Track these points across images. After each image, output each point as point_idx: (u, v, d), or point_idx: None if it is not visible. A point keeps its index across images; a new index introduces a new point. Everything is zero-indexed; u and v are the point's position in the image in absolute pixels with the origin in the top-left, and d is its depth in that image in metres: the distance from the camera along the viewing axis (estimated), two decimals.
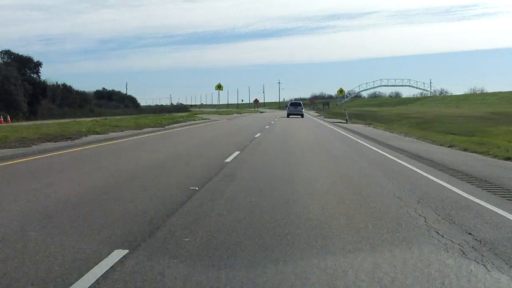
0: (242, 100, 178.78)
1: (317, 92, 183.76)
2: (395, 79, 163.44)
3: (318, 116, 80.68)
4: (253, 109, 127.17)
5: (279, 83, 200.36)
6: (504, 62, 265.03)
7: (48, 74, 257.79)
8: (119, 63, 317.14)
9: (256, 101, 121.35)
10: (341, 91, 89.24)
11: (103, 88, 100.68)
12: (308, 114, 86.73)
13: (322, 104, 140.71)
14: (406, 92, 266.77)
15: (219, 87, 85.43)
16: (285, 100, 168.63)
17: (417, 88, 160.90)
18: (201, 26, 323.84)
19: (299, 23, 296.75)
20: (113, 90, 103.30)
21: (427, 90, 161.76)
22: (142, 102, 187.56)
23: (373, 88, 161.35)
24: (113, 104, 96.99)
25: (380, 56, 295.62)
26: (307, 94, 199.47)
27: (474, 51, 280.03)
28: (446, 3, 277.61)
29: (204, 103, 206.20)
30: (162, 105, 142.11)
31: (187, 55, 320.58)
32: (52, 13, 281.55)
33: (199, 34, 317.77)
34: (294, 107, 64.23)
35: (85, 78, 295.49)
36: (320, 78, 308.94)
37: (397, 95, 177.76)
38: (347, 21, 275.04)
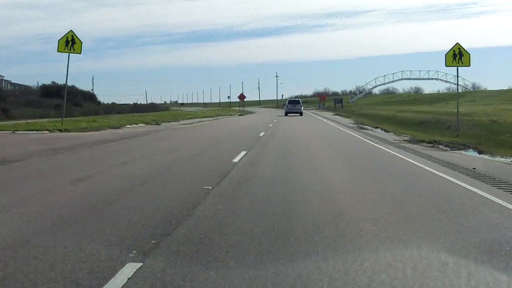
0: (229, 97, 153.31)
1: (320, 88, 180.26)
2: (420, 71, 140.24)
3: (335, 118, 55.12)
4: (238, 108, 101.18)
5: (276, 76, 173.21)
6: (502, 60, 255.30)
7: (46, 73, 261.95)
8: (116, 62, 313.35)
9: (241, 96, 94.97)
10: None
11: (53, 82, 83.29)
12: (321, 116, 60.51)
13: (334, 101, 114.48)
14: (427, 87, 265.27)
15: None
16: (283, 97, 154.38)
17: (446, 81, 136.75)
18: (199, 25, 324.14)
19: (298, 21, 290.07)
20: (70, 86, 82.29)
21: (460, 85, 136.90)
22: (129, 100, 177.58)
23: (392, 82, 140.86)
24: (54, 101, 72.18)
25: (381, 54, 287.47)
26: (309, 91, 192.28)
27: (473, 48, 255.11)
28: (445, 1, 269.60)
29: (200, 101, 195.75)
30: (139, 103, 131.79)
31: (185, 53, 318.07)
32: (50, 12, 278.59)
33: (198, 33, 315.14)
34: (293, 105, 61.90)
35: (84, 78, 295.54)
36: (320, 76, 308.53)
37: (418, 90, 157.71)
38: (345, 19, 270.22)
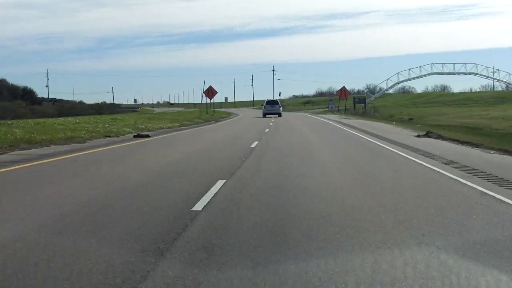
0: (226, 98, 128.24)
1: (324, 88, 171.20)
2: (454, 64, 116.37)
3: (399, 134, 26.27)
4: (213, 110, 71.88)
5: (273, 71, 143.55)
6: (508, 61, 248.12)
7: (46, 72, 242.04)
8: (116, 62, 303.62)
9: (210, 92, 63.40)
10: None
11: None
12: (361, 130, 31.44)
13: (353, 101, 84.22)
14: (455, 85, 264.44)
15: None
16: (280, 96, 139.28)
17: (487, 77, 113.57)
18: (198, 25, 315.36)
19: (297, 22, 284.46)
20: None
21: (502, 81, 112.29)
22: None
23: (420, 77, 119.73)
24: None
25: (381, 55, 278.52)
26: (310, 91, 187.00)
27: (474, 50, 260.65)
28: (443, 3, 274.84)
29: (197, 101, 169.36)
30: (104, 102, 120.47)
31: (183, 54, 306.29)
32: (48, 11, 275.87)
33: (196, 33, 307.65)
34: (271, 106, 60.54)
35: (86, 77, 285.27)
36: (321, 77, 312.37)
37: (445, 88, 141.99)
38: (345, 21, 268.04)
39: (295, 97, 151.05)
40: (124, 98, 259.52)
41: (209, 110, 68.04)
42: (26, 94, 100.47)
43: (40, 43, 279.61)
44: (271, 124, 37.03)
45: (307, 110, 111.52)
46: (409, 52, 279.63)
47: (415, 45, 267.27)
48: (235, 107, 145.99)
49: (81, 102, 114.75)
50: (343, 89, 70.63)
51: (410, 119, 47.91)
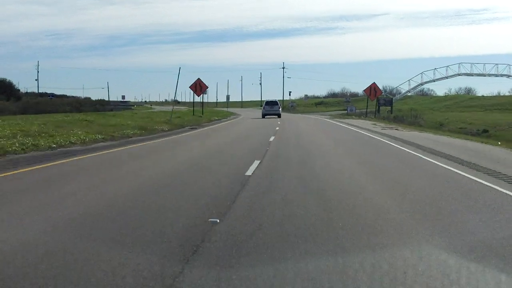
0: (228, 96, 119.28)
1: (336, 89, 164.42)
2: (484, 64, 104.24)
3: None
4: (194, 110, 57.13)
5: (283, 68, 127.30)
6: None
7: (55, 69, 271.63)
8: (124, 60, 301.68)
9: (199, 87, 46.47)
10: None
11: None
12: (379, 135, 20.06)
13: (377, 103, 68.18)
14: (481, 88, 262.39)
15: None
16: (290, 96, 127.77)
17: None
18: (208, 24, 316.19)
19: (308, 23, 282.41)
20: None
21: None
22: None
23: (446, 78, 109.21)
24: None
25: (392, 58, 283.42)
26: (321, 92, 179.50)
27: (483, 56, 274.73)
28: (456, 7, 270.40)
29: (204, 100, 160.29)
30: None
31: (193, 52, 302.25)
32: (57, 8, 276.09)
33: (206, 33, 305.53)
34: (270, 107, 59.12)
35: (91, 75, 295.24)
36: (332, 78, 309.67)
37: (470, 91, 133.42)
38: (356, 23, 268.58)
39: (307, 97, 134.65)
40: (131, 96, 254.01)
41: (198, 110, 52.63)
42: (1, 88, 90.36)
43: (50, 39, 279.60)
44: (271, 140, 21.38)
45: (321, 112, 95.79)
46: (422, 55, 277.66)
47: (426, 48, 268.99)
48: (242, 106, 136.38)
49: (62, 97, 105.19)
50: (374, 86, 53.79)
51: (485, 131, 31.94)
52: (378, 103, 75.14)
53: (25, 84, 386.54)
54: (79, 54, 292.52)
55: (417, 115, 51.26)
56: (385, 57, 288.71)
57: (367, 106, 56.15)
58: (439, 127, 41.67)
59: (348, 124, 38.66)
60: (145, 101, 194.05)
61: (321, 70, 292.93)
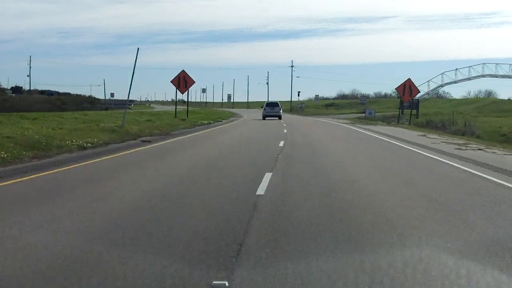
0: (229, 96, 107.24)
1: (346, 90, 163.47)
2: (510, 65, 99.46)
3: None
4: (176, 112, 46.54)
5: (292, 66, 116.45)
6: None
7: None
8: (131, 59, 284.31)
9: (183, 82, 34.21)
10: None
11: None
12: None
13: (399, 106, 56.99)
14: (501, 91, 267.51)
15: None
16: (299, 97, 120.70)
17: None
18: (217, 24, 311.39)
19: (318, 24, 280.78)
20: None
21: None
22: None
23: (469, 79, 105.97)
24: None
25: (400, 61, 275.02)
26: (331, 94, 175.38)
27: (493, 59, 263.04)
28: (465, 10, 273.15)
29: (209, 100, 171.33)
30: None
31: (201, 52, 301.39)
32: (66, 6, 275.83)
33: (215, 32, 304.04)
34: (271, 108, 59.54)
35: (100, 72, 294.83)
36: (342, 79, 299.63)
37: (490, 94, 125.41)
38: (365, 25, 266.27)
39: (318, 98, 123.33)
40: (137, 95, 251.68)
41: (194, 111, 42.83)
42: None
43: (60, 37, 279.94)
44: (263, 181, 10.22)
45: (332, 114, 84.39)
46: (430, 58, 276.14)
47: (436, 52, 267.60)
48: (248, 107, 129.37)
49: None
50: (409, 84, 40.58)
51: None
52: (402, 106, 63.76)
53: (31, 81, 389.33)
54: (87, 52, 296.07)
55: (468, 123, 39.59)
56: (393, 60, 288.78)
57: (399, 109, 43.80)
58: (491, 137, 30.66)
59: (381, 134, 27.29)
60: (147, 99, 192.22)
61: (329, 71, 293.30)
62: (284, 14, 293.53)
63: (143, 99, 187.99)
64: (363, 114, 70.60)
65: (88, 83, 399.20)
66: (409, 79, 39.75)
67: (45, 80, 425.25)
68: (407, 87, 39.35)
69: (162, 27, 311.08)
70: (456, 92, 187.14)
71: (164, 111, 59.02)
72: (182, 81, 36.22)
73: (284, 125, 35.88)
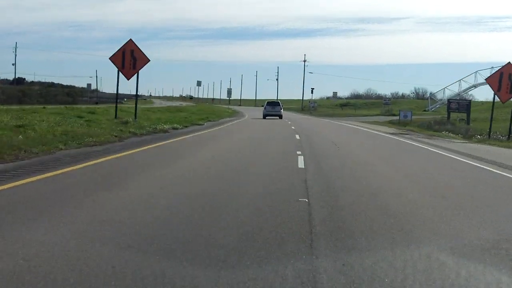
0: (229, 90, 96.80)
1: (361, 90, 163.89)
2: None
3: None
4: (116, 113, 34.89)
5: (304, 61, 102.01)
6: None
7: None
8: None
9: (128, 59, 19.40)
10: None
11: None
12: None
13: (447, 107, 42.24)
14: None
15: None
16: (312, 95, 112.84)
17: None
18: (228, 22, 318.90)
19: (330, 24, 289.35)
20: None
21: None
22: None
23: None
24: None
25: (413, 62, 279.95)
26: (345, 93, 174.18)
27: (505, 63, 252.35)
28: (478, 14, 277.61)
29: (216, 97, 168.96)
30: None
31: (212, 49, 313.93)
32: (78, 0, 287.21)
33: (227, 30, 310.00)
34: (272, 107, 59.59)
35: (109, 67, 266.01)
36: (352, 79, 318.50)
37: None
38: (377, 25, 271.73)
39: (335, 96, 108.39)
40: (145, 90, 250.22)
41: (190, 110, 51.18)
42: None
43: (72, 30, 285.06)
44: None
45: (350, 116, 70.51)
46: (443, 61, 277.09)
47: (449, 54, 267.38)
48: (255, 105, 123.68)
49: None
50: (508, 70, 24.24)
51: None
52: (449, 108, 49.06)
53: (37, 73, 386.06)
54: (99, 47, 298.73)
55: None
56: (407, 61, 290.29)
57: (492, 114, 25.58)
58: None
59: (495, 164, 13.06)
60: (150, 94, 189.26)
61: (341, 71, 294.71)
62: (295, 13, 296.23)
63: (153, 94, 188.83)
64: (393, 117, 56.29)
65: (93, 76, 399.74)
66: (509, 63, 24.02)
67: (52, 72, 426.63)
68: (505, 77, 23.63)
69: (174, 23, 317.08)
70: (479, 94, 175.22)
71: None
72: (128, 59, 22.01)
73: (297, 137, 21.30)
